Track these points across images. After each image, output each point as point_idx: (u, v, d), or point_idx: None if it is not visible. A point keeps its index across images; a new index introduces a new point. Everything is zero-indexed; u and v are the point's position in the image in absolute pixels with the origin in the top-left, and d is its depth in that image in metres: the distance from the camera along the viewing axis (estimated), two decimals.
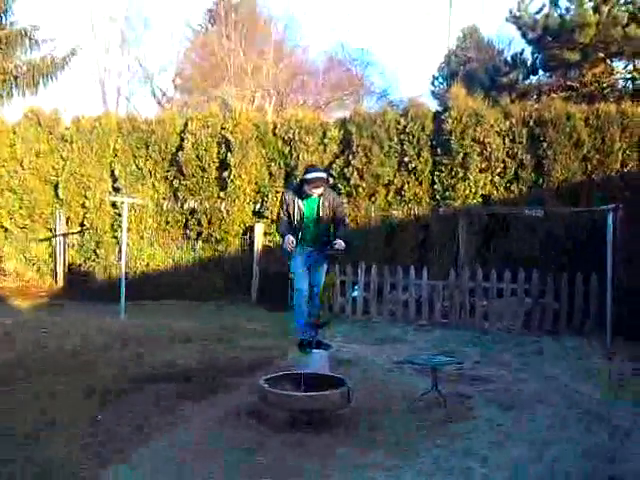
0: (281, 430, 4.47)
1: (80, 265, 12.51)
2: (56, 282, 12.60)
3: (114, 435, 4.27)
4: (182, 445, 4.15)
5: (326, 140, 11.76)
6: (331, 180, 6.15)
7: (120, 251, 10.66)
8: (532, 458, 4.05)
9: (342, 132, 11.75)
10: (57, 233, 12.57)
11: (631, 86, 16.90)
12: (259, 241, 11.74)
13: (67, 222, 12.57)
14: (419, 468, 3.85)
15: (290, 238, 5.51)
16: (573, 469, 3.87)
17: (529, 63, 19.68)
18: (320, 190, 5.55)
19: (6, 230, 12.71)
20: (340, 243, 5.45)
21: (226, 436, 4.34)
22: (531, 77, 19.84)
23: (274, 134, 12.11)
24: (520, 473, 3.81)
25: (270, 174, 12.04)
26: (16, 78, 17.10)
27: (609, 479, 3.74)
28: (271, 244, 11.76)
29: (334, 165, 11.55)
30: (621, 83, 17.56)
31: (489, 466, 3.90)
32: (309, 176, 5.56)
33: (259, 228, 11.79)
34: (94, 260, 12.39)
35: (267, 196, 11.94)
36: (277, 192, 11.86)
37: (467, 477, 3.73)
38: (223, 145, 12.10)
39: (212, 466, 3.79)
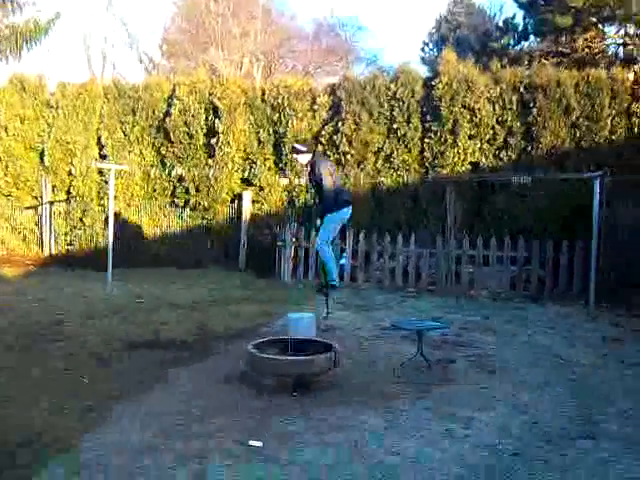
0: (268, 394, 4.52)
1: (66, 233, 12.42)
2: (42, 251, 12.51)
3: (100, 400, 4.30)
4: (170, 409, 4.19)
5: (315, 106, 11.66)
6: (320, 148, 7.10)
7: (107, 219, 10.59)
8: (513, 421, 4.13)
9: (332, 98, 11.65)
10: (43, 201, 12.44)
11: (622, 52, 16.80)
12: (247, 209, 11.70)
13: (53, 190, 12.43)
14: (403, 430, 3.91)
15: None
16: (553, 430, 3.96)
17: (520, 28, 19.52)
18: (303, 159, 6.70)
19: None
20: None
21: (214, 400, 4.39)
22: (522, 42, 19.71)
23: (263, 100, 11.97)
24: (501, 434, 3.88)
25: (259, 141, 11.94)
26: None
27: (586, 437, 3.84)
28: (259, 212, 11.74)
29: (323, 132, 11.48)
30: (612, 49, 17.47)
31: (472, 428, 3.97)
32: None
33: (247, 196, 11.73)
34: (80, 228, 12.30)
35: (255, 163, 11.86)
36: (265, 159, 11.80)
37: (450, 438, 3.80)
38: (211, 111, 11.96)
39: (199, 429, 3.84)
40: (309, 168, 6.65)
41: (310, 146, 7.18)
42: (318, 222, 6.67)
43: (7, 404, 4.17)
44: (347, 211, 6.58)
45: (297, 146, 6.99)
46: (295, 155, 7.07)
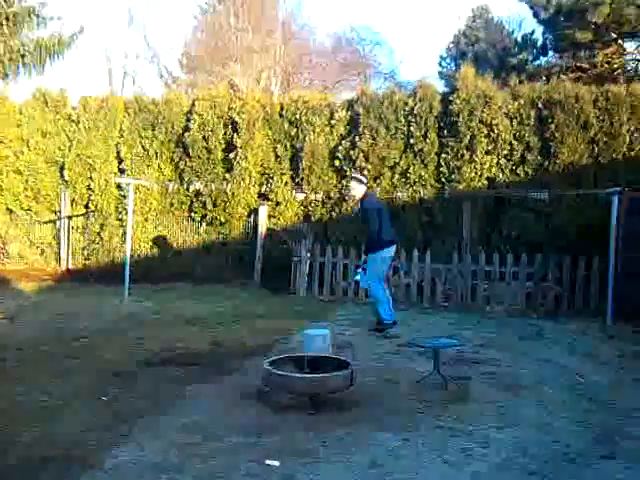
0: (285, 412, 4.53)
1: (84, 248, 12.49)
2: (60, 265, 12.54)
3: (119, 417, 4.34)
4: (187, 427, 4.21)
5: (333, 121, 11.69)
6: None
7: (125, 234, 10.67)
8: (531, 439, 4.10)
9: (349, 113, 11.67)
10: (62, 215, 12.52)
11: None
12: (263, 224, 11.72)
13: (72, 204, 12.49)
14: (420, 448, 3.90)
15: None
16: (571, 449, 3.92)
17: (539, 44, 19.56)
18: (358, 191, 7.20)
19: (10, 212, 12.62)
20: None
21: (231, 418, 4.40)
22: (541, 58, 19.74)
23: (281, 115, 12.03)
24: (519, 454, 3.86)
25: (276, 156, 12.00)
26: (23, 57, 17.00)
27: (601, 458, 3.80)
28: (275, 227, 11.78)
29: (340, 147, 11.51)
30: (632, 65, 17.40)
31: (489, 447, 3.95)
32: None
33: (263, 210, 11.76)
34: (98, 243, 12.37)
35: (272, 178, 11.91)
36: (282, 174, 11.85)
37: (467, 457, 3.78)
38: (229, 126, 12.04)
39: (217, 447, 3.85)
40: (359, 203, 7.05)
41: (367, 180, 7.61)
42: (363, 257, 7.16)
43: (28, 420, 4.22)
44: (389, 250, 7.09)
45: (359, 176, 7.35)
46: (353, 183, 7.31)
